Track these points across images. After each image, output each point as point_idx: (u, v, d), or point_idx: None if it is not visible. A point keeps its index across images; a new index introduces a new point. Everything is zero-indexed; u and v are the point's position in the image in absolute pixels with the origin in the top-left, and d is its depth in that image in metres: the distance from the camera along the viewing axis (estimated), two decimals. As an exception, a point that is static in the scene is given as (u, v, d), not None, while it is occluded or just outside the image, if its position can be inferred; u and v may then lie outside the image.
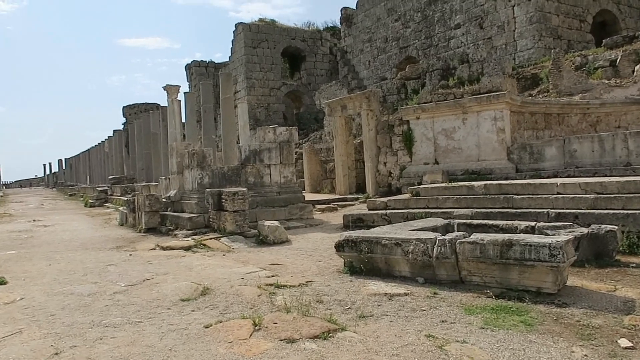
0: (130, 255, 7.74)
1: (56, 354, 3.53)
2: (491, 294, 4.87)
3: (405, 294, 5.00)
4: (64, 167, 64.54)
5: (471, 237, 5.27)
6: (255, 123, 26.58)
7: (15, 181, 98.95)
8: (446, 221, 7.61)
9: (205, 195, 10.33)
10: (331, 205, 13.85)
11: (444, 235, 5.48)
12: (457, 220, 7.75)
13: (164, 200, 12.29)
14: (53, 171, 70.95)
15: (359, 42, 29.87)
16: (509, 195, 8.64)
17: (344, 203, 14.15)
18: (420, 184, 12.87)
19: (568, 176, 10.74)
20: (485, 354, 3.39)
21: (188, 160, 11.43)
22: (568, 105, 13.96)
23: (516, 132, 12.60)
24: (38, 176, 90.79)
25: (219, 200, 10.02)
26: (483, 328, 3.94)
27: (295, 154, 14.26)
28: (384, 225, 9.75)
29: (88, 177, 45.26)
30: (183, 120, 19.86)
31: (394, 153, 13.88)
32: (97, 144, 41.86)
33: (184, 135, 18.93)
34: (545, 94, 15.42)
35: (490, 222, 7.27)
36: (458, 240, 5.25)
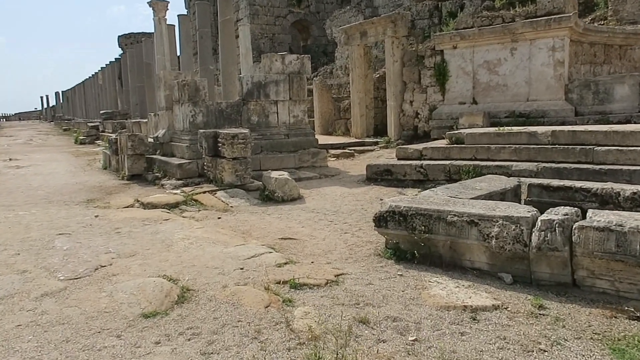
0: (97, 216, 5.93)
1: None
2: (634, 311, 3.08)
3: (495, 307, 3.20)
4: (61, 101, 62.14)
5: (596, 217, 3.39)
6: (258, 56, 24.10)
7: (15, 114, 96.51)
8: (515, 181, 5.72)
9: (199, 138, 8.40)
10: (347, 151, 11.92)
11: (550, 214, 3.60)
12: (527, 180, 5.86)
13: (151, 141, 10.37)
14: (51, 104, 68.53)
15: (375, -36, 26.65)
16: (587, 147, 6.68)
17: (361, 148, 12.21)
18: (453, 127, 10.87)
19: (645, 122, 8.74)
20: None
21: (178, 94, 9.39)
22: (634, 35, 11.64)
23: (572, 66, 10.42)
24: (38, 109, 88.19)
25: (215, 144, 8.10)
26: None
27: (306, 89, 12.13)
28: (419, 179, 7.91)
29: (84, 111, 43.11)
30: (178, 52, 17.54)
31: (422, 90, 11.76)
32: (91, 75, 39.35)
33: (179, 67, 16.70)
34: (602, 22, 13.02)
35: (578, 183, 5.37)
36: (577, 224, 3.38)
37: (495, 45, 10.42)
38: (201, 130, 8.38)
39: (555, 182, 5.55)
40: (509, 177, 6.92)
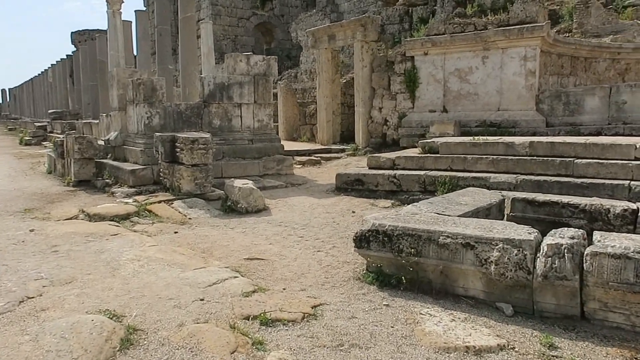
0: (32, 230, 5.16)
1: None
2: (656, 352, 2.70)
3: (501, 348, 2.75)
4: (8, 99, 58.87)
5: (609, 242, 3.01)
6: (220, 58, 23.32)
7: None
8: (498, 195, 5.35)
9: (154, 141, 7.70)
10: (313, 158, 11.42)
11: (555, 237, 3.20)
12: (510, 194, 5.51)
13: (101, 144, 9.54)
14: (-4, 102, 64.80)
15: (341, -31, 26.46)
16: (567, 159, 6.43)
17: (328, 155, 11.73)
18: (424, 135, 10.58)
19: (616, 134, 8.66)
20: None
21: (132, 93, 8.63)
22: (598, 47, 11.72)
23: (542, 77, 10.32)
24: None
25: (173, 148, 7.43)
26: None
27: (271, 92, 11.54)
28: (391, 189, 7.48)
29: (32, 110, 40.82)
30: (135, 51, 16.60)
31: (392, 96, 11.41)
32: (41, 72, 37.29)
33: (136, 66, 15.76)
34: (567, 35, 13.10)
35: (565, 199, 5.06)
36: (589, 250, 2.99)
37: (467, 53, 10.19)
38: (157, 134, 7.67)
39: (541, 197, 5.23)
40: (488, 189, 6.62)
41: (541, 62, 10.00)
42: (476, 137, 7.72)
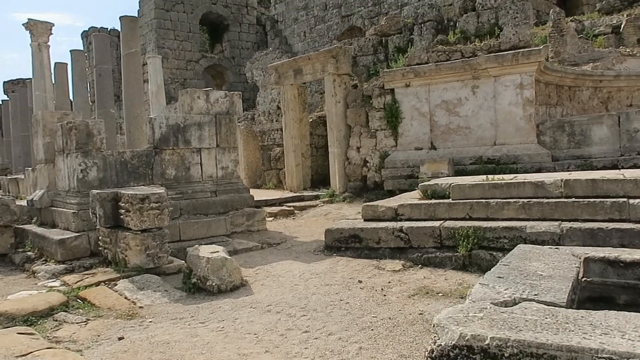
0: None
1: None
2: None
3: None
4: None
5: None
6: (168, 102, 21.64)
7: None
8: (569, 255, 3.98)
9: (91, 201, 5.93)
10: (285, 208, 9.86)
11: None
12: (578, 251, 4.16)
13: (23, 204, 7.61)
14: None
15: (293, 9, 25.91)
16: (618, 200, 5.21)
17: (301, 204, 10.20)
18: (411, 176, 9.32)
19: (635, 166, 7.67)
20: None
21: (62, 140, 6.86)
22: (582, 76, 11.05)
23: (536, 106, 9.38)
24: None
25: (115, 209, 5.69)
26: None
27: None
28: (398, 246, 6.00)
29: (-43, 166, 37.04)
30: (72, 95, 14.70)
31: (371, 134, 10.14)
32: (-33, 125, 33.97)
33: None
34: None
35: (663, 257, 3.73)
36: None
37: (455, 82, 9.12)
38: (95, 191, 5.91)
39: (627, 256, 3.90)
40: (524, 242, 5.29)
41: (536, 90, 9.07)
42: (492, 177, 6.43)
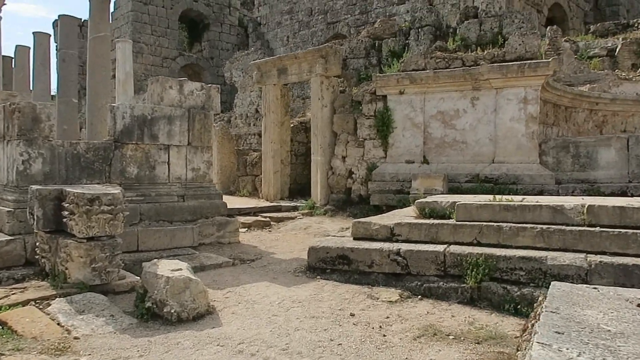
0: None
1: None
2: None
3: None
4: None
5: None
6: (137, 93, 20.45)
7: None
8: (627, 301, 3.21)
9: (29, 198, 4.90)
10: (261, 219, 8.92)
11: None
12: (630, 295, 3.41)
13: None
14: None
15: (277, 13, 25.16)
16: (653, 232, 4.51)
17: (279, 215, 9.29)
18: (400, 191, 8.55)
19: (646, 194, 7.08)
20: None
21: (4, 125, 5.79)
22: (579, 96, 10.57)
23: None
24: None
25: (58, 210, 4.68)
26: None
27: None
28: (394, 272, 5.16)
29: None
30: (32, 84, 13.45)
31: (359, 143, 9.32)
32: None
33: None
34: (538, 83, 11.97)
35: None
36: None
37: (453, 92, 8.42)
38: (35, 187, 4.88)
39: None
40: (544, 275, 4.54)
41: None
42: (501, 197, 5.68)
